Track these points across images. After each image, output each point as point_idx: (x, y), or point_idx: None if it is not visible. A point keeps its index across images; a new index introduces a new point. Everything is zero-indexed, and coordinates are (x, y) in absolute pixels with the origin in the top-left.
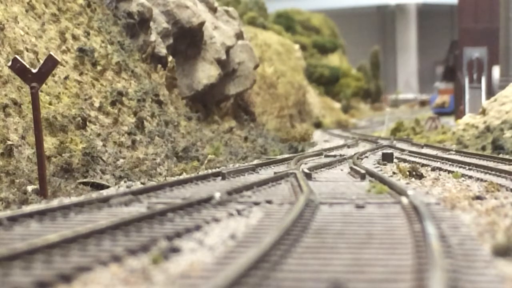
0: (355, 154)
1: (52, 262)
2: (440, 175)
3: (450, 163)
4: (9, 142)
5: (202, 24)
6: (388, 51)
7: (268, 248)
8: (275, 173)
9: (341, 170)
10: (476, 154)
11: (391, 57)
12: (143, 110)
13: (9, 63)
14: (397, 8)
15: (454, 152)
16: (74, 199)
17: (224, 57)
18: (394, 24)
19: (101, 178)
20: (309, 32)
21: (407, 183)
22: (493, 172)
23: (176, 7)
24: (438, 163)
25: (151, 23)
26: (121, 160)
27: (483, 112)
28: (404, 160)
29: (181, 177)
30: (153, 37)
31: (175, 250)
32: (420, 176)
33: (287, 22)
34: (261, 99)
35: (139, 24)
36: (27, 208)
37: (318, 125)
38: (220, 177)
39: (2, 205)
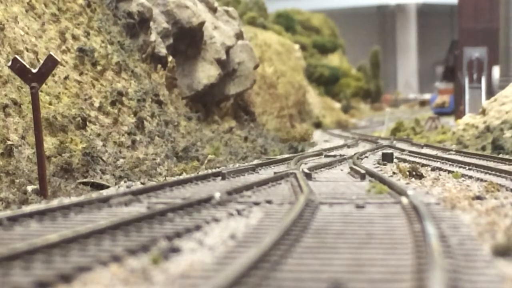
0: (355, 154)
1: (52, 262)
2: (440, 175)
3: (450, 163)
4: (9, 142)
5: (202, 24)
6: (388, 51)
7: (268, 248)
8: (275, 173)
9: (341, 170)
10: (476, 154)
11: (391, 57)
12: (143, 110)
13: (9, 63)
14: (397, 8)
15: (454, 152)
16: (74, 199)
17: (224, 57)
18: (394, 24)
19: (101, 178)
20: (309, 32)
21: (407, 183)
22: (493, 172)
23: (176, 7)
24: (438, 163)
25: (151, 23)
26: (121, 160)
27: (483, 112)
28: (404, 160)
29: (181, 177)
30: (153, 37)
31: (175, 250)
32: (420, 176)
33: (287, 22)
34: (261, 99)
35: (139, 24)
36: (27, 208)
37: (318, 125)
38: (220, 177)
39: (2, 205)
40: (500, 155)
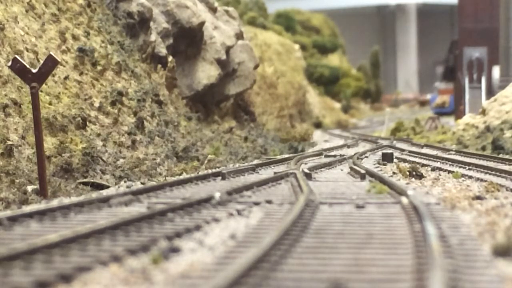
0: (355, 154)
1: (52, 262)
2: (440, 175)
3: (450, 163)
4: (9, 142)
5: (202, 24)
6: (388, 51)
7: (268, 248)
8: (275, 173)
9: (341, 170)
10: (476, 154)
11: (391, 57)
12: (143, 110)
13: (9, 63)
14: (397, 8)
15: (454, 152)
16: (74, 199)
17: (224, 57)
18: (394, 24)
19: (101, 178)
20: (309, 32)
21: (407, 183)
22: (493, 172)
23: (176, 7)
24: (438, 163)
25: (151, 23)
26: (121, 160)
27: (483, 112)
28: (404, 160)
29: (181, 177)
30: (153, 37)
31: (175, 250)
32: (420, 176)
33: (287, 22)
34: (261, 99)
35: (139, 24)
36: (27, 208)
37: (318, 125)
38: (220, 177)
39: (2, 205)
40: (500, 155)
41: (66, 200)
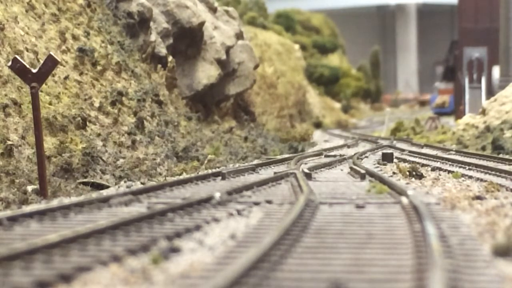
0: (355, 154)
1: (52, 262)
2: (440, 175)
3: (450, 163)
4: (9, 142)
5: (202, 24)
6: (388, 51)
7: (268, 248)
8: (275, 173)
9: (341, 170)
10: (476, 154)
11: (391, 57)
12: (143, 110)
13: (9, 63)
14: (397, 8)
15: (454, 152)
16: (74, 199)
17: (224, 57)
18: (394, 24)
19: (101, 178)
20: (309, 32)
21: (407, 183)
22: (493, 172)
23: (176, 7)
24: (438, 163)
25: (151, 23)
26: (121, 160)
27: (483, 112)
28: (404, 160)
29: (181, 177)
30: (153, 37)
31: (175, 250)
32: (420, 176)
33: (287, 22)
34: (261, 99)
35: (139, 24)
36: (27, 208)
37: (318, 125)
38: (220, 177)
39: (2, 205)
40: (500, 155)
41: (66, 200)
